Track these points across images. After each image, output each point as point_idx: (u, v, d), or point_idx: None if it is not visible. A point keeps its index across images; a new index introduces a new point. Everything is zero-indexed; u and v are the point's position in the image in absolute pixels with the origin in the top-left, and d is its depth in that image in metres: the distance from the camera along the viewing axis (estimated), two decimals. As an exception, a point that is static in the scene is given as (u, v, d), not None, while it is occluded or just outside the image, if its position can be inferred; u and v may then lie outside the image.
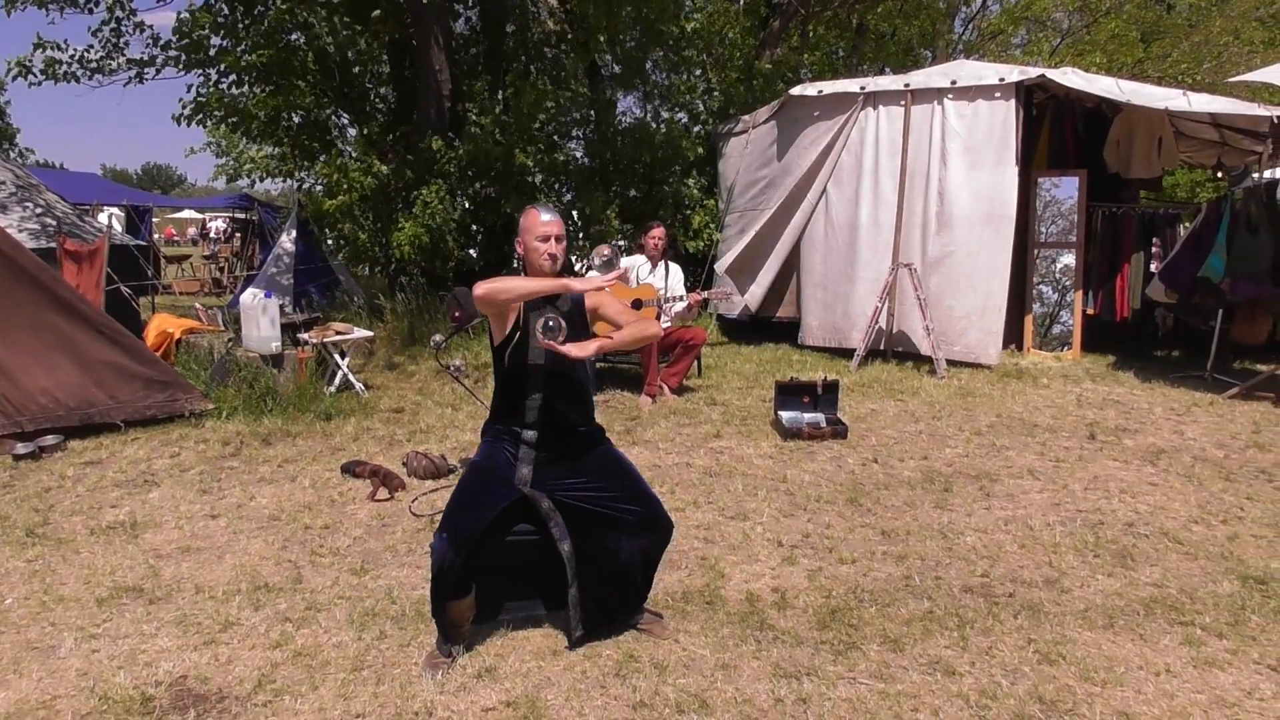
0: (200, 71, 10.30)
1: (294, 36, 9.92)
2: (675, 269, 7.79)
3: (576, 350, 2.97)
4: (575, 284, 3.02)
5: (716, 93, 13.81)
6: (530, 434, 3.20)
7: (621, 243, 10.51)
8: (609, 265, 3.46)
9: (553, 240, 3.14)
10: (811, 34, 14.94)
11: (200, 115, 10.25)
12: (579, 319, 3.26)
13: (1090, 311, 9.30)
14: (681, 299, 7.47)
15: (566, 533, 3.28)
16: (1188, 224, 9.33)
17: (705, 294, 7.71)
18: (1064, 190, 9.18)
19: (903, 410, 7.00)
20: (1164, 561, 4.11)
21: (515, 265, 10.71)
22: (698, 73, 14.85)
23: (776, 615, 3.60)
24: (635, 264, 7.69)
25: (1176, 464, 5.56)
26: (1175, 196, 15.65)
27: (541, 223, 3.15)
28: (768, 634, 3.44)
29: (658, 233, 7.71)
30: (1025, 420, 6.65)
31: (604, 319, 3.37)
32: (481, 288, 3.03)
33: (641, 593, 3.47)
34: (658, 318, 7.41)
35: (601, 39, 10.53)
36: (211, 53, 10.01)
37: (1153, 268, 9.05)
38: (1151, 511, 4.75)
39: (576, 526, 3.28)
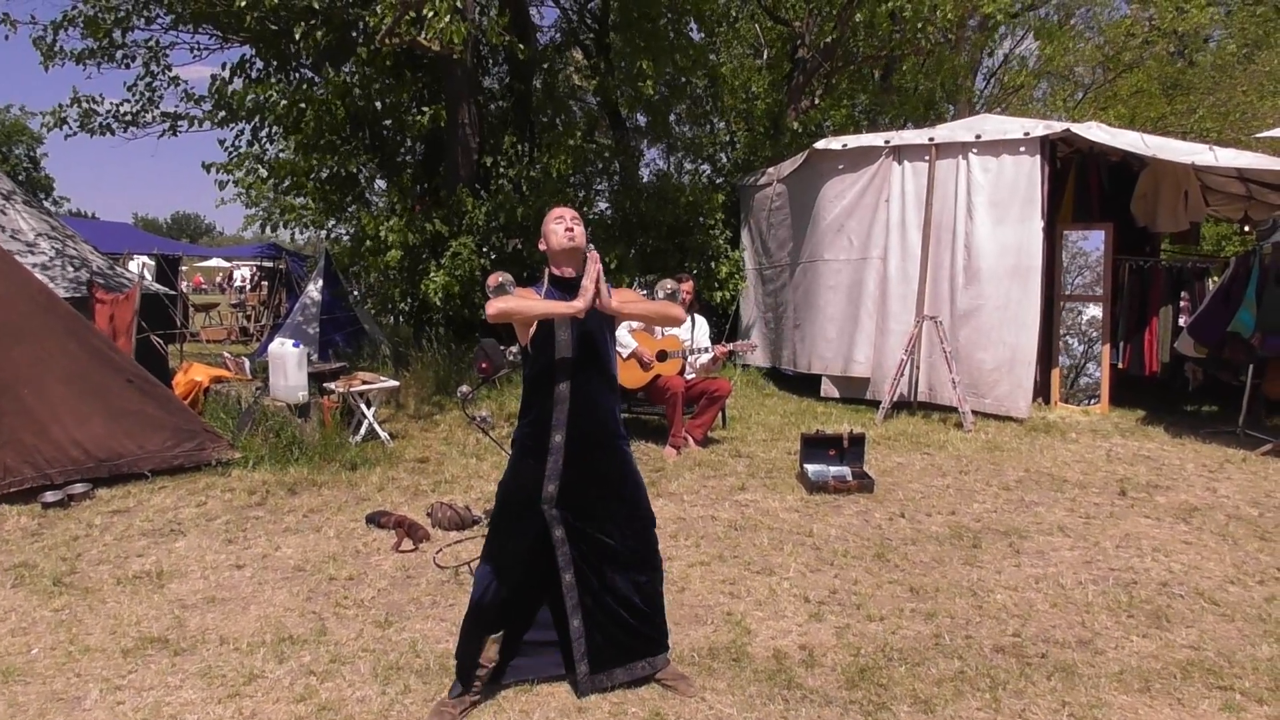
0: (233, 126, 10.50)
1: (322, 92, 10.09)
2: (701, 321, 7.81)
3: (591, 288, 3.08)
4: (579, 303, 3.09)
5: (740, 145, 13.96)
6: (559, 437, 3.22)
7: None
8: (673, 297, 3.55)
9: (567, 218, 3.32)
10: (835, 88, 15.12)
11: (241, 175, 10.40)
12: (603, 314, 3.29)
13: (1120, 366, 9.23)
14: (707, 350, 7.47)
15: (571, 563, 3.31)
16: (1216, 278, 9.27)
17: (730, 346, 7.71)
18: (1091, 243, 9.16)
19: (930, 464, 6.94)
20: (1200, 623, 4.02)
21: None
22: (721, 125, 15.04)
23: (804, 673, 3.54)
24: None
25: (1210, 522, 5.46)
26: (1201, 249, 15.59)
27: (556, 211, 3.36)
28: (796, 693, 3.39)
29: (687, 286, 7.73)
30: (1054, 475, 6.57)
31: (630, 307, 3.46)
32: (494, 307, 3.16)
33: (656, 627, 3.45)
34: (682, 371, 7.41)
35: (649, 83, 10.64)
36: (247, 108, 10.21)
37: (1181, 322, 8.98)
38: (1186, 571, 4.66)
39: (582, 556, 3.31)
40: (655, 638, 3.45)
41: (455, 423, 8.31)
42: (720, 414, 7.87)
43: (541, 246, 3.36)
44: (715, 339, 8.16)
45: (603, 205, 12.45)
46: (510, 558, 3.25)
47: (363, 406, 7.59)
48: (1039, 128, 8.38)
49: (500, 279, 3.39)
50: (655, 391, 7.36)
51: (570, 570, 3.31)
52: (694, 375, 7.52)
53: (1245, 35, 19.75)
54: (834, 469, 6.39)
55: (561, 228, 3.27)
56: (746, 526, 5.42)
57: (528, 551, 3.27)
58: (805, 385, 9.93)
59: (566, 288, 3.27)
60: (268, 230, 11.94)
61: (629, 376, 7.27)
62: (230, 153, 10.60)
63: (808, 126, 13.42)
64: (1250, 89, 18.76)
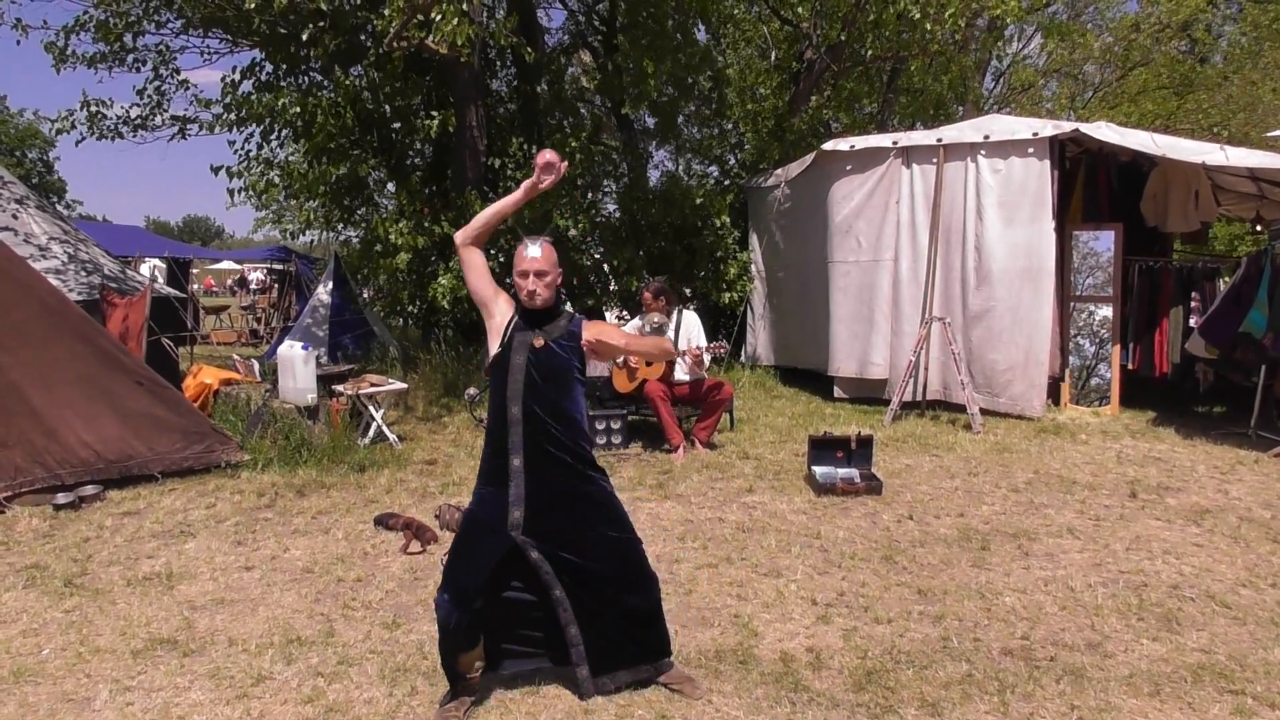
0: (243, 130, 10.50)
1: (332, 94, 10.08)
2: (689, 317, 7.75)
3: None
4: (541, 185, 3.23)
5: (748, 146, 13.95)
6: (517, 461, 3.15)
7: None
8: (660, 330, 3.54)
9: (531, 276, 3.18)
10: (843, 90, 15.09)
11: (253, 179, 10.33)
12: (574, 348, 3.25)
13: (1130, 367, 9.18)
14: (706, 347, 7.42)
15: (556, 579, 3.26)
16: (1227, 278, 9.22)
17: (701, 348, 7.58)
18: (1101, 243, 9.12)
19: (938, 466, 6.92)
20: (1211, 626, 4.00)
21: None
22: (729, 125, 15.03)
23: (811, 676, 3.53)
24: (637, 327, 7.73)
25: (1222, 524, 5.43)
26: (1213, 249, 15.53)
27: (524, 258, 3.21)
28: (802, 695, 3.38)
29: (646, 296, 7.62)
30: (1064, 477, 6.54)
31: (610, 345, 3.36)
32: (458, 236, 3.29)
33: (657, 635, 3.43)
34: (671, 372, 7.42)
35: (650, 85, 10.62)
36: (258, 110, 10.19)
37: (1192, 322, 8.93)
38: (1197, 573, 4.64)
39: (567, 572, 3.26)
40: (656, 646, 3.44)
41: (463, 425, 8.33)
42: (728, 416, 7.86)
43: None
44: (719, 340, 8.13)
45: (610, 207, 12.45)
46: (470, 582, 3.15)
47: (371, 409, 7.61)
48: (1048, 128, 8.35)
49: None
50: (646, 396, 7.36)
51: (558, 586, 3.26)
52: (688, 376, 7.50)
53: (1259, 32, 19.63)
54: (842, 471, 6.37)
55: (526, 284, 3.18)
56: (754, 528, 5.41)
57: (489, 578, 3.18)
58: (813, 386, 9.91)
59: (533, 320, 3.23)
60: (286, 237, 11.97)
61: (622, 383, 7.42)
62: (240, 156, 10.62)
63: (815, 127, 13.38)
64: (1261, 82, 18.66)
